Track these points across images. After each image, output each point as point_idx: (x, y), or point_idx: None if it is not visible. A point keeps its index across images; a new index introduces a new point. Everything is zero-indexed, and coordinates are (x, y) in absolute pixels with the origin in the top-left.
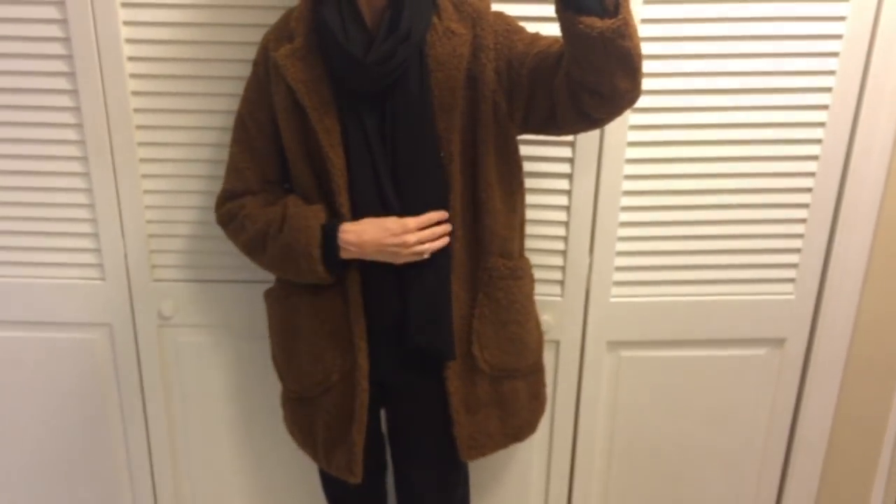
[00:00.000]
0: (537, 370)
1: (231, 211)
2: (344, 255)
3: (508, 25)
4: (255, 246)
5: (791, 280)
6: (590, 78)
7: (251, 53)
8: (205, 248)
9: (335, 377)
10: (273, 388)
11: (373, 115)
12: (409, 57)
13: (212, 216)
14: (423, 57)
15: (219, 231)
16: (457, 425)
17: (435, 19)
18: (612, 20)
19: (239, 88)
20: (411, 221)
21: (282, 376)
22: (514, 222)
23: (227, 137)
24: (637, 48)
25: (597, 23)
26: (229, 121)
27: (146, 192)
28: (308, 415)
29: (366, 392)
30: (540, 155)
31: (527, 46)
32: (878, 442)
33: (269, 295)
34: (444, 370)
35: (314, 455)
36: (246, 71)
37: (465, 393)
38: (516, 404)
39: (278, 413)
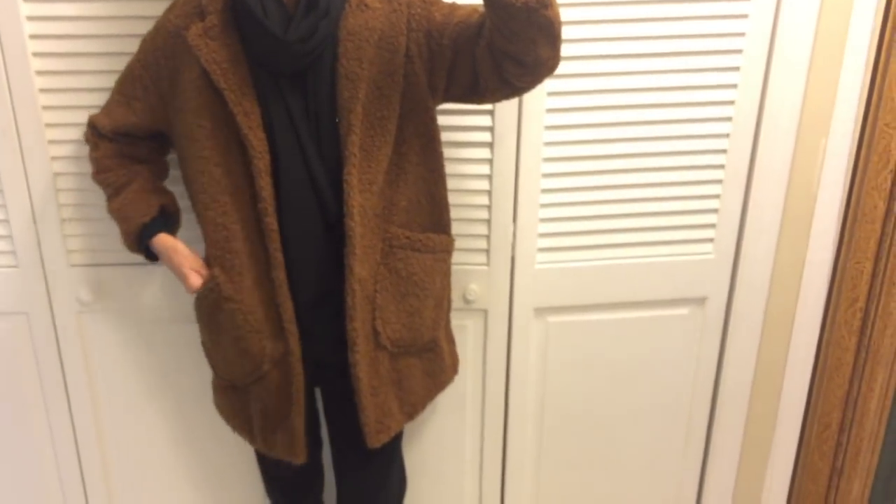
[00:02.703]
0: (433, 348)
1: (90, 139)
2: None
3: (437, 8)
4: (97, 184)
5: (710, 240)
6: (512, 47)
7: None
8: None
9: (266, 367)
10: (200, 370)
11: (295, 95)
12: (328, 35)
13: None
14: (336, 30)
15: None
16: (364, 410)
17: None
18: None
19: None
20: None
21: (212, 364)
22: (425, 195)
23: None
24: (558, 17)
25: None
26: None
27: (56, 174)
28: (241, 401)
29: (301, 377)
30: (460, 124)
31: (445, 17)
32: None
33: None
34: (353, 354)
35: (250, 439)
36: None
37: (371, 376)
38: (412, 381)
39: (207, 395)
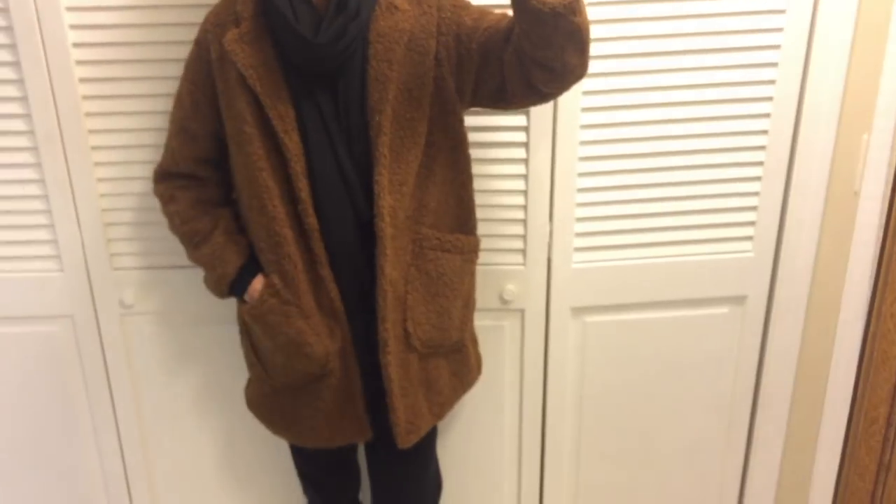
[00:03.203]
0: (460, 349)
1: (164, 195)
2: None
3: (456, 1)
4: (180, 239)
5: (749, 238)
6: (540, 53)
7: (192, 34)
8: (164, 234)
9: (331, 364)
10: (244, 371)
11: (326, 96)
12: (358, 37)
13: (154, 202)
14: (366, 32)
15: (161, 217)
16: (395, 411)
17: None
18: None
19: (180, 70)
20: None
21: (263, 370)
22: (454, 197)
23: (167, 123)
24: (586, 24)
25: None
26: (169, 105)
27: (100, 179)
28: (293, 402)
29: (356, 363)
30: (495, 124)
31: (475, 21)
32: (825, 387)
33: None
34: (385, 355)
35: (296, 438)
36: (186, 52)
37: (401, 376)
38: (439, 382)
39: None
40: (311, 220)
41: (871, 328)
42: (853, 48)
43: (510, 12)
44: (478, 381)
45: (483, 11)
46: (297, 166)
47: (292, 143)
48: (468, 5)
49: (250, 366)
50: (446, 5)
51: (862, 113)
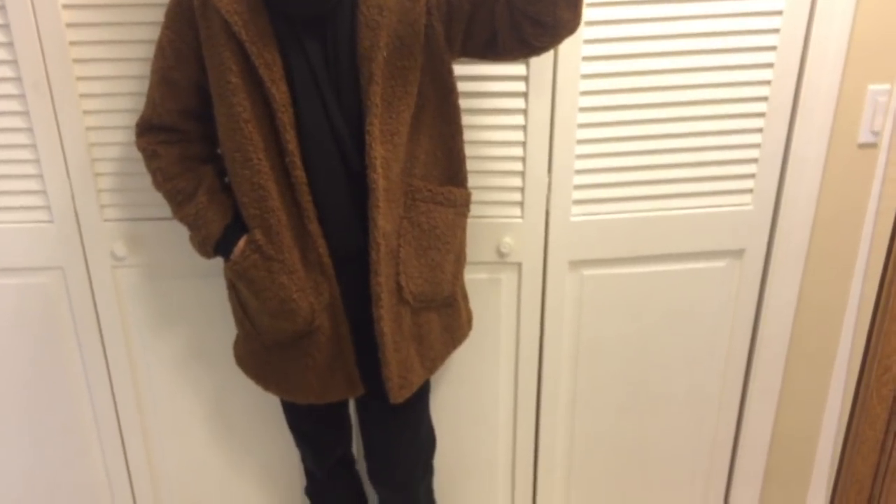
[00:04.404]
0: (451, 303)
1: (146, 149)
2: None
3: None
4: (164, 196)
5: (749, 191)
6: (531, 7)
7: None
8: (134, 184)
9: (318, 321)
10: (225, 323)
11: (315, 44)
12: None
13: (137, 153)
14: None
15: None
16: (388, 366)
17: None
18: None
19: (161, 16)
20: None
21: (251, 326)
22: (444, 148)
23: (149, 71)
24: None
25: None
26: (150, 52)
27: (89, 128)
28: (283, 358)
29: (345, 318)
30: (495, 74)
31: None
32: (835, 338)
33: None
34: (378, 309)
35: (287, 394)
36: None
37: (394, 331)
38: (431, 336)
39: None
40: (299, 173)
41: (889, 275)
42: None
43: None
44: (471, 336)
45: None
46: (285, 117)
47: (279, 93)
48: None
49: (239, 323)
50: None
51: (867, 63)
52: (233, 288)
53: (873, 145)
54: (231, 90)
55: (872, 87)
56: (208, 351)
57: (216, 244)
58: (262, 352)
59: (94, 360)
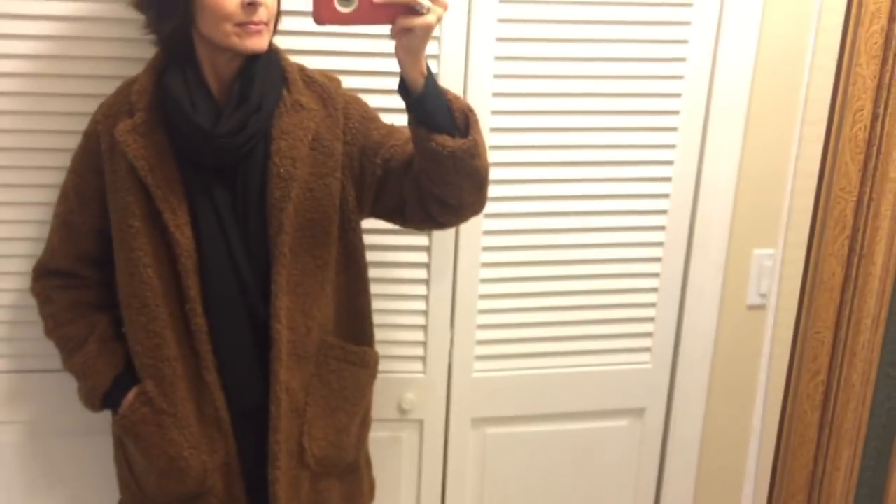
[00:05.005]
0: (354, 470)
1: (41, 294)
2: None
3: (365, 112)
4: (54, 343)
5: (647, 349)
6: (437, 189)
7: (81, 124)
8: (24, 334)
9: (210, 482)
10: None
11: (223, 192)
12: (259, 131)
13: (25, 301)
14: (269, 128)
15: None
16: None
17: (284, 92)
18: (464, 140)
19: (67, 161)
20: None
21: (138, 488)
22: (354, 306)
23: (51, 216)
24: (485, 165)
25: (448, 141)
26: (54, 197)
27: None
28: None
29: (241, 481)
30: (397, 228)
31: (383, 137)
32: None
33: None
34: (274, 470)
35: None
36: (76, 143)
37: (290, 496)
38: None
39: None
40: (199, 321)
41: (788, 409)
42: (740, 170)
43: None
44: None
45: (391, 128)
46: (188, 263)
47: (184, 239)
48: (377, 118)
49: (124, 485)
50: (354, 115)
51: (752, 229)
52: (120, 445)
53: (762, 307)
54: (133, 234)
55: (757, 251)
56: None
57: (104, 395)
58: None
59: None
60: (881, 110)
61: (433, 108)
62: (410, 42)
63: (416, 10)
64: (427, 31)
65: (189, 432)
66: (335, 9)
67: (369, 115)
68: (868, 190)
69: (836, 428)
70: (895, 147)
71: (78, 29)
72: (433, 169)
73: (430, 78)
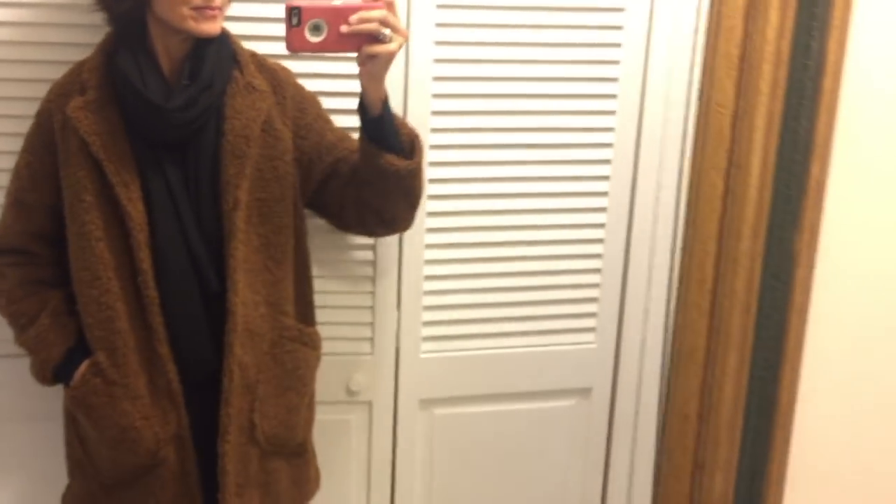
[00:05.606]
0: (302, 453)
1: None
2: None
3: (321, 112)
4: (7, 322)
5: (592, 329)
6: (376, 202)
7: (35, 109)
8: None
9: (162, 453)
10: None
11: (175, 167)
12: (210, 108)
13: None
14: (222, 107)
15: None
16: None
17: (236, 73)
18: (409, 162)
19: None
20: None
21: (89, 465)
22: (300, 288)
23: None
24: (421, 187)
25: (397, 162)
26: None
27: None
28: (123, 500)
29: (193, 455)
30: None
31: (337, 140)
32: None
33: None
34: (223, 443)
35: None
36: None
37: (238, 471)
38: (278, 486)
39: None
40: (151, 293)
41: (678, 319)
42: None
43: None
44: (319, 489)
45: (345, 134)
46: (140, 236)
47: (136, 212)
48: (330, 120)
49: (74, 463)
50: (311, 111)
51: None
52: (72, 423)
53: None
54: (85, 209)
55: None
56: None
57: (55, 368)
58: (101, 495)
59: None
60: (751, 28)
61: (386, 130)
62: (374, 68)
63: (379, 39)
64: (389, 59)
65: (141, 403)
66: (305, 38)
67: (324, 116)
68: (743, 104)
69: (724, 335)
70: (764, 61)
71: (32, 15)
72: (376, 183)
73: (387, 103)
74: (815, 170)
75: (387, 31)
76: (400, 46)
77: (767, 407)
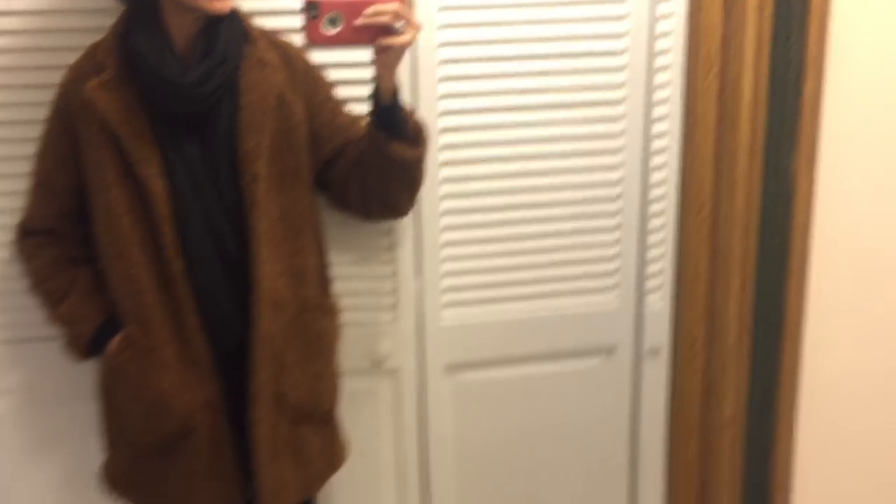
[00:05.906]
0: (330, 421)
1: (24, 253)
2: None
3: (333, 93)
4: (40, 300)
5: (612, 288)
6: (379, 188)
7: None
8: (12, 304)
9: (194, 420)
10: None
11: (193, 143)
12: (225, 82)
13: (16, 269)
14: (236, 82)
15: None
16: (261, 477)
17: (249, 49)
18: (415, 151)
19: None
20: None
21: (124, 433)
22: (319, 259)
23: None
24: (422, 177)
25: (405, 150)
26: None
27: None
28: (161, 468)
29: (225, 421)
30: None
31: (348, 124)
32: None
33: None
34: (255, 412)
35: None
36: None
37: (270, 437)
38: (310, 452)
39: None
40: (176, 265)
41: (681, 246)
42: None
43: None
44: (350, 458)
45: (355, 120)
46: (163, 209)
47: (157, 187)
48: (343, 102)
49: (112, 436)
50: (322, 90)
51: None
52: (105, 394)
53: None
54: (107, 186)
55: None
56: (85, 481)
57: (89, 342)
58: (138, 464)
59: None
60: None
61: (397, 119)
62: (388, 58)
63: (393, 31)
64: (403, 49)
65: (172, 372)
66: (322, 31)
67: (335, 98)
68: (731, 25)
69: (725, 258)
70: None
71: (48, 2)
72: (381, 170)
73: (398, 93)
74: (808, 87)
75: (400, 24)
76: (413, 38)
77: (774, 328)
